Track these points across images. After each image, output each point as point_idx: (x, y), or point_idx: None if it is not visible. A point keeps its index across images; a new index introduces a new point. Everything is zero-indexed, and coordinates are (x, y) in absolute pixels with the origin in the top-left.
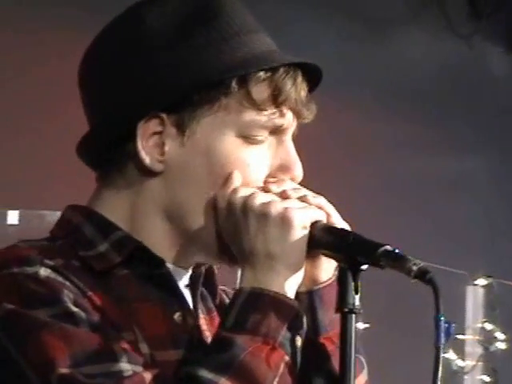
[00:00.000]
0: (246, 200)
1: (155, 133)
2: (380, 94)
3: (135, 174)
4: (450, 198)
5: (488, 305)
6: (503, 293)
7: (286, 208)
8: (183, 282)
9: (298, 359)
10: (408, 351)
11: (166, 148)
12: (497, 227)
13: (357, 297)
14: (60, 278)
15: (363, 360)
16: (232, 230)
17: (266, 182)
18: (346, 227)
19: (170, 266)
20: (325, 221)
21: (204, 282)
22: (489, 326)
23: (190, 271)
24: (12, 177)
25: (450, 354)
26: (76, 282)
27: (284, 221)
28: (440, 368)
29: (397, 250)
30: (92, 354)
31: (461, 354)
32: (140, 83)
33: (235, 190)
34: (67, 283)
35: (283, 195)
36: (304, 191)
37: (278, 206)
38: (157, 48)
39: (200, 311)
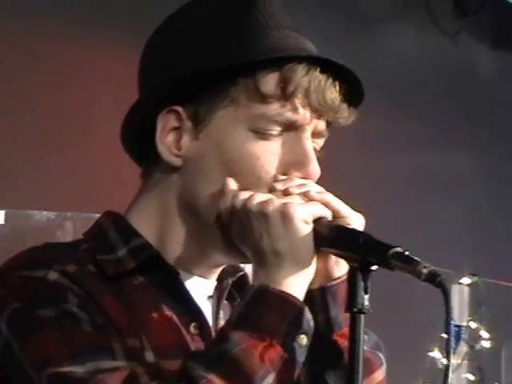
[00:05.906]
0: (245, 203)
1: (174, 128)
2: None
3: (161, 172)
4: (435, 196)
5: (473, 303)
6: (488, 291)
7: (285, 204)
8: (206, 293)
9: (302, 358)
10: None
11: (182, 141)
12: (482, 226)
13: (366, 297)
14: (67, 282)
15: (382, 356)
16: (239, 233)
17: (275, 180)
18: (358, 221)
19: (192, 277)
20: (330, 217)
21: (237, 291)
22: (474, 325)
23: (215, 282)
24: None
25: (435, 353)
26: (85, 287)
27: (284, 216)
28: (450, 372)
29: (407, 252)
30: (89, 352)
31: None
32: (159, 74)
33: (235, 195)
34: (74, 287)
35: (285, 192)
36: (310, 187)
37: (275, 203)
38: (177, 40)
39: (223, 322)
